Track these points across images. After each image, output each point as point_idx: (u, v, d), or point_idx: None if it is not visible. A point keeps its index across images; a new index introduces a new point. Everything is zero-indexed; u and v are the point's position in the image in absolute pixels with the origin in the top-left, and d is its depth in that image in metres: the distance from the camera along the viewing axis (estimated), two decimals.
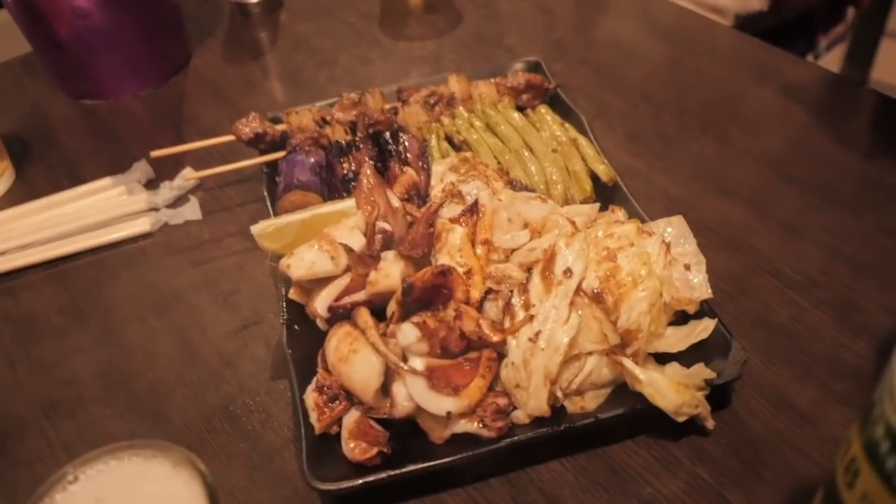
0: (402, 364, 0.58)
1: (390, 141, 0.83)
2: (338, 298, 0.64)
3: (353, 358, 0.60)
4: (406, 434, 0.61)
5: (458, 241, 0.65)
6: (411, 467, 0.58)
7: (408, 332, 0.59)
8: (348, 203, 0.73)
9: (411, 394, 0.58)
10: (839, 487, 0.40)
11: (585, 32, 1.16)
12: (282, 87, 1.13)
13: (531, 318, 0.60)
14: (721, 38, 1.14)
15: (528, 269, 0.64)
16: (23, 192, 0.97)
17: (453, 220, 0.67)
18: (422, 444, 0.61)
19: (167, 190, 0.92)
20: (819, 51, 1.69)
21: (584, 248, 0.63)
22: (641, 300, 0.61)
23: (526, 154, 0.81)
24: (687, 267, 0.67)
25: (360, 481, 0.57)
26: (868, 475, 0.36)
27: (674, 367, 0.62)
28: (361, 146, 0.82)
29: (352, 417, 0.61)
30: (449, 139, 0.86)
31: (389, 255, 0.66)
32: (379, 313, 0.64)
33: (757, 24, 1.51)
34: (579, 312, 0.61)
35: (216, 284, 0.82)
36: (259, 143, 0.87)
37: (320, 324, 0.66)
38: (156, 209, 0.91)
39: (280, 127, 0.89)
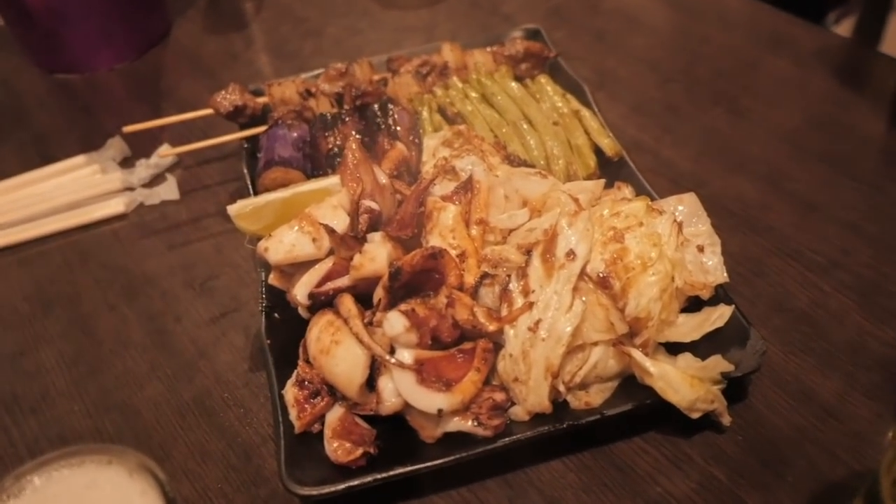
0: (388, 357, 0.53)
1: (379, 113, 0.77)
2: (319, 284, 0.58)
3: (336, 349, 0.55)
4: (394, 432, 0.56)
5: (450, 220, 0.59)
6: (399, 470, 0.53)
7: (395, 322, 0.54)
8: (332, 180, 0.68)
9: (399, 389, 0.53)
10: (884, 500, 0.35)
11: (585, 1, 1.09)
12: (265, 59, 1.07)
13: (531, 305, 0.55)
14: (731, 4, 1.07)
15: (528, 252, 0.58)
16: None
17: (446, 198, 0.62)
18: (411, 444, 0.56)
19: (143, 168, 0.86)
20: (828, 24, 1.62)
21: (589, 227, 0.57)
22: (651, 285, 0.56)
23: (525, 127, 0.75)
24: (700, 248, 0.62)
25: (344, 485, 0.52)
26: None
27: (687, 359, 0.57)
28: (348, 119, 0.77)
29: (335, 414, 0.56)
30: (442, 111, 0.80)
31: (376, 237, 0.60)
32: (364, 300, 0.59)
33: None
34: (583, 299, 0.55)
35: (193, 269, 0.77)
36: (239, 116, 0.82)
37: (302, 312, 0.61)
38: (131, 189, 0.86)
39: (261, 100, 0.83)
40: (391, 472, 0.53)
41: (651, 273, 0.56)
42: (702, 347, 0.58)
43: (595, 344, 0.56)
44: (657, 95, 0.91)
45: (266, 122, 0.81)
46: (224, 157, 0.87)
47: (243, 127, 0.83)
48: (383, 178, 0.65)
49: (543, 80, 0.82)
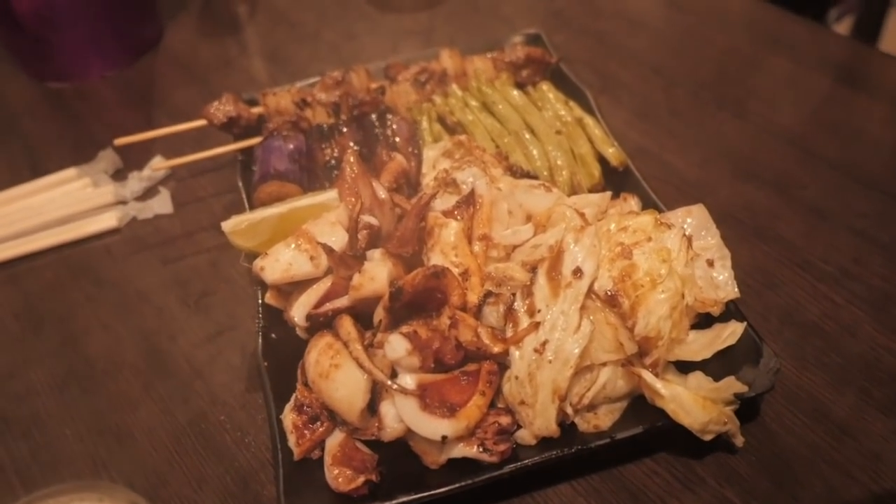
0: (390, 382, 0.51)
1: (377, 124, 0.75)
2: (318, 305, 0.56)
3: (336, 374, 0.53)
4: (397, 457, 0.55)
5: (452, 237, 0.58)
6: (402, 498, 0.51)
7: (397, 345, 0.52)
8: (330, 195, 0.66)
9: (401, 415, 0.51)
10: None
11: (588, 1, 1.07)
12: (260, 65, 1.04)
13: (536, 325, 0.53)
14: (733, 5, 1.05)
15: (533, 269, 0.56)
16: None
17: (447, 214, 0.60)
18: (415, 470, 0.54)
19: (136, 181, 0.84)
20: (829, 21, 1.61)
21: (596, 243, 0.55)
22: (661, 303, 0.54)
23: (527, 136, 0.74)
24: (710, 263, 0.60)
25: None
26: None
27: (698, 378, 0.55)
28: (345, 130, 0.75)
29: (335, 440, 0.54)
30: (442, 120, 0.78)
31: (376, 255, 0.58)
32: (365, 320, 0.57)
33: None
34: (591, 318, 0.53)
35: (187, 285, 0.75)
36: (233, 127, 0.80)
37: (300, 332, 0.59)
38: (123, 202, 0.84)
39: (256, 110, 0.81)
40: (394, 501, 0.51)
41: (661, 290, 0.54)
42: (713, 365, 0.56)
43: (603, 364, 0.54)
44: (661, 100, 0.89)
45: (261, 133, 0.79)
46: (218, 169, 0.85)
47: (238, 138, 0.81)
48: (382, 193, 0.63)
49: (545, 87, 0.80)
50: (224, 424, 0.63)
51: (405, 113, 0.79)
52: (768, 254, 0.71)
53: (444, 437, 0.50)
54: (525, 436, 0.54)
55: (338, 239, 0.60)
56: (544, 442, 0.54)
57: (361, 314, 0.57)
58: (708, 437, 0.54)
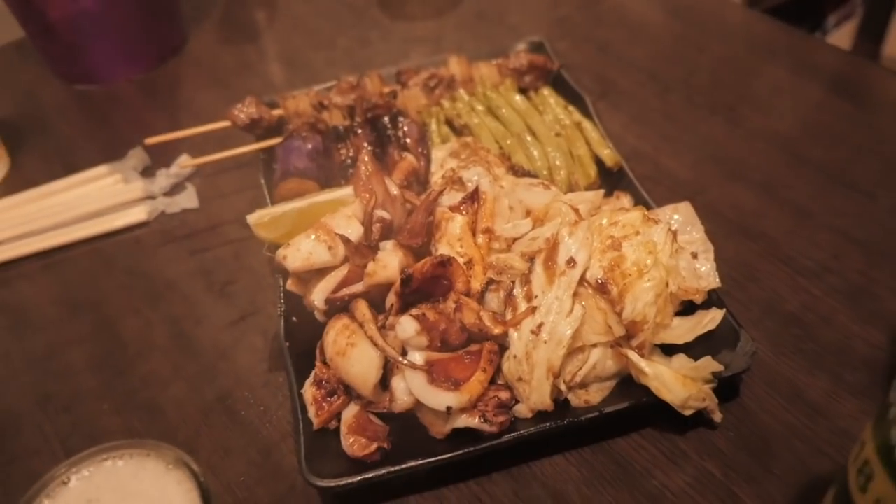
0: (401, 358, 0.57)
1: (389, 126, 0.80)
2: (335, 290, 0.62)
3: (352, 352, 0.58)
4: (406, 428, 0.60)
5: (458, 230, 0.63)
6: (411, 463, 0.57)
7: (407, 325, 0.57)
8: (346, 191, 0.71)
9: (411, 388, 0.57)
10: (851, 490, 0.38)
11: (591, 9, 1.13)
12: (279, 70, 1.10)
13: (533, 309, 0.59)
14: (729, 15, 1.10)
15: (531, 259, 0.62)
16: (18, 180, 0.96)
17: (453, 209, 0.65)
18: (422, 439, 0.59)
19: (163, 177, 0.90)
20: (827, 27, 1.65)
21: (588, 236, 0.61)
22: (647, 290, 0.59)
23: (528, 138, 0.79)
24: (694, 255, 0.65)
25: (359, 478, 0.56)
26: (882, 479, 0.34)
27: (680, 359, 0.61)
28: (360, 131, 0.80)
29: (351, 412, 0.60)
30: (449, 123, 0.84)
31: (388, 245, 0.64)
32: (378, 305, 0.62)
33: (766, 1, 1.47)
34: (583, 304, 0.59)
35: (212, 274, 0.81)
36: (255, 128, 0.85)
37: (318, 316, 0.65)
38: (152, 197, 0.89)
39: (276, 112, 0.87)
40: (403, 466, 0.57)
41: (647, 279, 0.60)
42: (695, 348, 0.61)
43: (594, 346, 0.59)
44: (657, 105, 0.95)
45: (281, 134, 0.85)
46: (240, 167, 0.91)
47: (259, 138, 0.86)
48: (394, 189, 0.68)
49: (546, 92, 0.86)
50: (248, 400, 0.69)
51: (415, 116, 0.84)
52: (753, 249, 0.76)
53: (450, 408, 0.56)
54: (522, 409, 0.59)
55: (353, 231, 0.65)
56: (540, 415, 0.59)
57: (375, 299, 0.62)
58: (688, 412, 0.59)
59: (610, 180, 0.78)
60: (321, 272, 0.66)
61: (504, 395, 0.58)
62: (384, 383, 0.60)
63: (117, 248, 0.85)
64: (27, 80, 1.13)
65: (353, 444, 0.58)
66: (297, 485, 0.62)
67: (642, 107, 0.94)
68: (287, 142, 0.81)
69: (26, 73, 1.14)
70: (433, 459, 0.57)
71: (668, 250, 0.62)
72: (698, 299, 0.63)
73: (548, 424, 0.58)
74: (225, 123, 0.86)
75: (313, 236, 0.65)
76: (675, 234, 0.63)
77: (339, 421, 0.60)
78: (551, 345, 0.58)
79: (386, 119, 0.81)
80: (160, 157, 0.93)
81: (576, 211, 0.64)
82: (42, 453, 0.67)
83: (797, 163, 0.85)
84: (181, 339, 0.75)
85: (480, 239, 0.64)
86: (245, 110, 0.85)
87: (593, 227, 0.62)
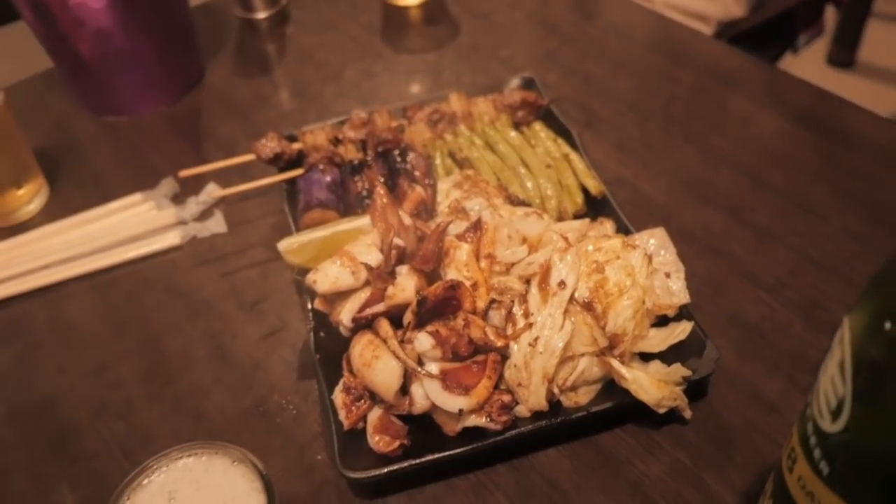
0: (419, 368, 0.67)
1: (399, 159, 0.90)
2: (360, 310, 0.72)
3: (376, 363, 0.69)
4: (423, 427, 0.70)
5: (464, 257, 0.73)
6: (429, 457, 0.67)
7: (423, 340, 0.68)
8: (364, 220, 0.81)
9: (428, 394, 0.67)
10: (783, 470, 0.48)
11: (575, 43, 1.23)
12: (291, 101, 1.20)
13: (530, 325, 0.69)
14: (702, 48, 1.21)
15: (527, 282, 0.72)
16: (57, 208, 1.05)
17: (460, 237, 0.75)
18: (437, 437, 0.69)
19: (193, 205, 0.99)
20: (798, 45, 1.76)
21: (576, 261, 0.71)
22: (627, 308, 0.70)
23: (522, 171, 0.89)
24: (667, 275, 0.76)
25: (386, 470, 0.66)
26: (802, 462, 0.45)
27: (656, 365, 0.71)
28: (373, 165, 0.90)
29: (375, 414, 0.70)
30: (452, 156, 0.94)
31: (403, 270, 0.74)
32: (396, 321, 0.72)
33: (740, 24, 1.58)
34: (572, 319, 0.69)
35: (243, 294, 0.90)
36: (278, 161, 0.95)
37: (343, 331, 0.75)
38: (184, 223, 0.99)
39: (296, 146, 0.96)
40: (422, 459, 0.67)
41: (626, 298, 0.70)
42: (668, 356, 0.72)
43: (582, 355, 0.70)
44: (636, 134, 1.05)
45: (301, 165, 0.95)
46: (262, 195, 1.00)
47: (281, 170, 0.96)
48: (407, 220, 0.79)
49: (538, 126, 0.96)
50: (282, 405, 0.78)
51: (421, 149, 0.94)
52: (720, 266, 0.87)
53: (461, 410, 0.66)
54: (522, 410, 0.69)
55: (373, 258, 0.75)
56: (537, 415, 0.69)
57: (394, 316, 0.72)
58: (662, 410, 0.69)
59: (595, 206, 0.89)
60: (344, 294, 0.76)
61: (506, 397, 0.69)
62: (404, 390, 0.70)
63: (155, 270, 0.95)
64: (57, 111, 1.22)
65: (378, 442, 0.68)
66: (328, 478, 0.72)
67: (623, 135, 1.05)
68: (308, 174, 0.91)
69: (55, 104, 1.23)
70: (447, 454, 0.67)
71: (645, 272, 0.72)
72: (671, 313, 0.74)
73: (543, 422, 0.69)
74: (250, 157, 0.96)
75: (338, 262, 0.75)
76: (650, 257, 0.74)
77: (365, 422, 0.70)
78: (546, 355, 0.68)
79: (396, 153, 0.91)
80: (189, 186, 1.02)
81: (565, 239, 0.74)
82: (102, 455, 0.77)
83: (760, 188, 0.95)
84: (219, 352, 0.85)
85: (483, 264, 0.74)
86: (268, 145, 0.95)
87: (580, 252, 0.73)
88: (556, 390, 0.69)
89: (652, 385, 0.68)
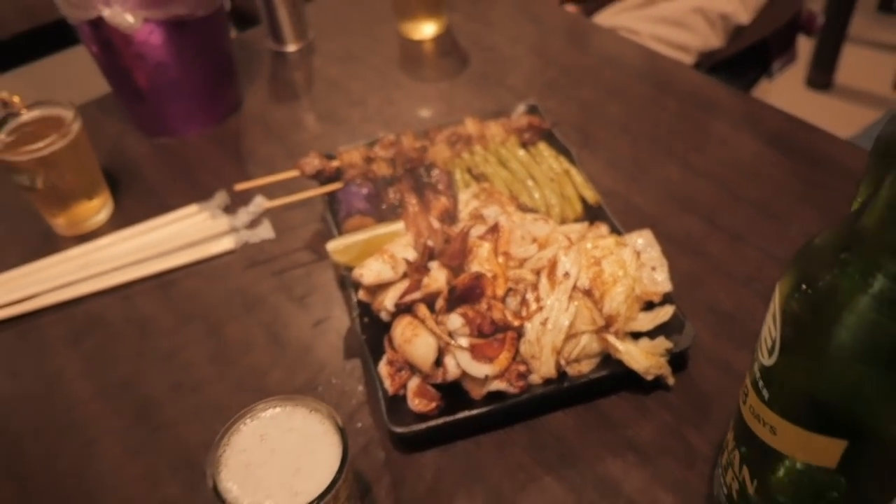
0: (452, 341, 0.82)
1: (424, 175, 1.06)
2: (401, 297, 0.87)
3: (416, 340, 0.83)
4: (453, 393, 0.85)
5: (485, 253, 0.88)
6: (460, 415, 0.82)
7: (454, 320, 0.83)
8: (398, 225, 0.97)
9: (459, 363, 0.82)
10: (740, 406, 0.63)
11: (572, 74, 1.39)
12: (322, 124, 1.35)
13: (541, 308, 0.84)
14: (683, 77, 1.38)
15: (538, 273, 0.87)
16: (121, 218, 1.19)
17: (481, 238, 0.90)
18: (466, 401, 0.84)
19: (244, 214, 1.14)
20: (773, 72, 1.94)
21: (578, 257, 0.87)
22: (619, 294, 0.85)
23: (530, 183, 1.05)
24: (653, 268, 0.91)
25: (425, 426, 0.81)
26: (751, 394, 0.60)
27: (644, 341, 0.86)
28: (402, 179, 1.06)
29: (414, 383, 0.85)
30: (470, 172, 1.09)
31: (435, 265, 0.89)
32: (430, 306, 0.87)
33: (718, 54, 1.76)
34: (575, 303, 0.84)
35: (292, 289, 1.05)
36: (319, 177, 1.10)
37: (385, 316, 0.90)
38: (236, 230, 1.14)
39: (334, 163, 1.12)
40: (455, 417, 0.81)
41: (619, 286, 0.85)
42: (654, 334, 0.86)
43: (584, 333, 0.84)
44: (627, 153, 1.21)
45: (339, 180, 1.10)
46: (304, 206, 1.15)
47: (322, 184, 1.12)
48: (436, 224, 0.94)
49: (542, 146, 1.12)
50: (331, 382, 0.93)
51: (443, 166, 1.10)
52: (699, 264, 1.02)
53: (486, 376, 0.81)
54: (535, 378, 0.84)
55: (409, 255, 0.90)
56: (547, 382, 0.84)
57: (428, 303, 0.87)
58: (649, 378, 0.84)
59: (591, 213, 1.04)
60: (384, 286, 0.91)
61: (522, 367, 0.83)
62: (438, 362, 0.85)
63: (213, 270, 1.10)
64: (112, 134, 1.37)
65: (417, 404, 0.83)
66: (374, 438, 0.86)
67: (616, 154, 1.21)
68: (346, 187, 1.07)
69: (110, 127, 1.39)
70: (475, 412, 0.82)
71: (634, 265, 0.88)
72: (656, 300, 0.89)
73: (552, 387, 0.83)
74: (295, 173, 1.11)
75: (381, 259, 0.90)
76: (638, 254, 0.89)
77: (405, 390, 0.85)
78: (554, 332, 0.83)
79: (421, 169, 1.07)
80: (238, 198, 1.17)
81: (568, 239, 0.90)
82: (180, 423, 0.91)
83: (733, 199, 1.11)
84: (274, 339, 0.99)
85: (501, 259, 0.89)
86: (311, 162, 1.10)
87: (581, 249, 0.88)
88: (562, 362, 0.84)
89: (641, 356, 0.83)
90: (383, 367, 0.86)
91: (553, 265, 0.86)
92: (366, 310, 0.93)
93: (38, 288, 1.08)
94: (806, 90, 3.13)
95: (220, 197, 1.18)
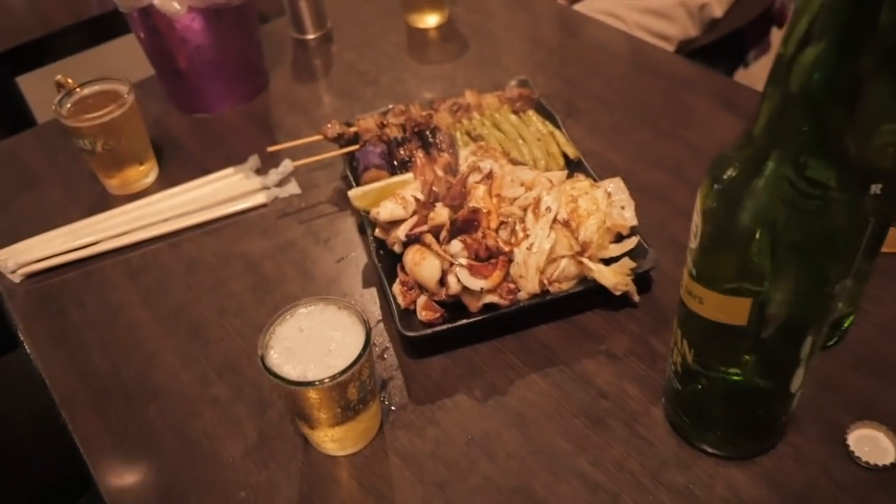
0: (454, 261, 1.00)
1: (430, 136, 1.24)
2: (411, 229, 1.05)
3: (423, 262, 1.01)
4: (455, 310, 1.02)
5: (481, 194, 1.06)
6: (460, 322, 0.99)
7: (455, 245, 1.00)
8: (408, 176, 1.14)
9: (459, 279, 0.99)
10: (680, 293, 0.81)
11: (559, 54, 1.57)
12: (340, 101, 1.53)
13: (527, 236, 1.01)
14: (660, 59, 1.55)
15: (525, 209, 1.05)
16: (166, 182, 1.36)
17: (478, 183, 1.08)
18: (465, 313, 1.02)
19: (274, 174, 1.32)
20: (748, 60, 2.11)
21: (558, 195, 1.04)
22: (592, 224, 1.02)
23: (520, 142, 1.23)
24: (622, 207, 1.08)
25: (431, 331, 0.98)
26: (685, 276, 0.77)
27: (614, 265, 1.04)
28: (411, 140, 1.24)
29: (422, 299, 1.02)
30: (468, 134, 1.27)
31: (439, 205, 1.07)
32: (434, 237, 1.05)
33: (695, 42, 1.93)
34: (555, 233, 1.02)
35: (317, 234, 1.23)
36: (340, 140, 1.28)
37: (397, 248, 1.07)
38: (267, 188, 1.32)
39: (352, 129, 1.29)
40: (456, 323, 0.99)
41: (592, 219, 1.03)
42: (622, 260, 1.05)
43: (563, 257, 1.02)
44: (606, 121, 1.39)
45: (357, 143, 1.28)
46: (325, 167, 1.32)
47: (342, 147, 1.29)
48: (440, 173, 1.12)
49: (531, 113, 1.30)
50: (352, 303, 1.11)
51: (446, 129, 1.27)
52: (664, 209, 1.19)
53: (482, 289, 0.98)
54: (522, 295, 1.01)
55: (419, 196, 1.08)
56: (533, 297, 1.02)
57: (434, 234, 1.05)
58: (618, 293, 1.01)
59: (572, 167, 1.22)
60: (395, 223, 1.09)
61: (512, 285, 1.01)
62: (442, 282, 1.02)
63: (249, 221, 1.27)
64: (154, 111, 1.55)
65: (425, 315, 1.00)
66: (389, 348, 1.03)
67: (596, 122, 1.38)
68: (363, 148, 1.24)
69: (152, 107, 1.56)
70: (472, 320, 0.99)
71: (605, 203, 1.05)
72: (625, 232, 1.06)
73: (537, 300, 1.01)
74: (318, 137, 1.29)
75: (394, 201, 1.08)
76: (609, 194, 1.07)
77: (415, 305, 1.03)
78: (538, 255, 1.00)
79: (427, 132, 1.25)
80: (268, 161, 1.35)
81: (550, 181, 1.07)
82: (226, 340, 1.08)
83: (696, 156, 1.28)
84: (304, 273, 1.17)
85: (494, 200, 1.07)
86: (333, 128, 1.28)
87: (561, 190, 1.05)
88: (545, 282, 1.02)
89: (610, 274, 1.00)
90: (396, 287, 1.04)
91: (537, 202, 1.04)
92: (381, 245, 1.11)
93: (98, 237, 1.26)
94: None
95: (253, 160, 1.36)
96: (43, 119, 1.78)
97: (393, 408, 0.97)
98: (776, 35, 2.18)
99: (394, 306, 1.02)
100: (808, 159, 0.64)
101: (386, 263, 1.08)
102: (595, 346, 1.01)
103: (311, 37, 1.69)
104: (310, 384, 0.82)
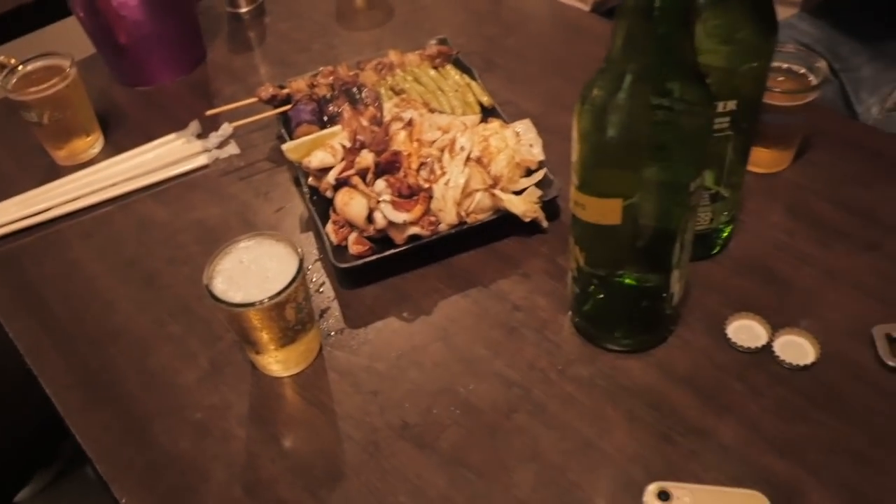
0: (379, 198, 1.11)
1: (356, 92, 1.34)
2: (339, 173, 1.16)
3: (352, 202, 1.12)
4: (383, 242, 1.14)
5: (402, 138, 1.17)
6: (387, 252, 1.11)
7: (380, 184, 1.12)
8: (337, 128, 1.25)
9: (385, 214, 1.11)
10: (571, 206, 0.93)
11: (480, 17, 1.69)
12: (275, 68, 1.62)
13: (444, 173, 1.13)
14: (575, 17, 1.68)
15: (442, 150, 1.16)
16: (111, 151, 1.45)
17: (400, 129, 1.19)
18: (392, 244, 1.13)
19: (214, 137, 1.41)
20: None
21: (471, 136, 1.16)
22: (503, 160, 1.14)
23: (439, 93, 1.34)
24: (531, 145, 1.21)
25: (361, 261, 1.10)
26: (573, 189, 0.90)
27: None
28: (339, 97, 1.34)
29: (353, 235, 1.13)
30: (392, 89, 1.38)
31: (364, 150, 1.18)
32: (361, 179, 1.16)
33: (609, 3, 2.06)
34: (469, 169, 1.14)
35: (257, 189, 1.33)
36: (273, 101, 1.38)
37: (328, 193, 1.18)
38: (208, 150, 1.41)
39: (285, 91, 1.39)
40: (384, 253, 1.10)
41: (502, 155, 1.15)
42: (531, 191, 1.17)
43: (477, 191, 1.14)
44: (521, 74, 1.50)
45: (290, 103, 1.38)
46: (261, 128, 1.42)
47: (275, 107, 1.39)
48: (365, 124, 1.23)
49: (449, 67, 1.41)
50: (286, 237, 1.21)
51: (371, 86, 1.38)
52: (564, 145, 1.32)
53: (405, 221, 1.10)
54: (443, 226, 1.13)
55: (347, 143, 1.19)
56: (452, 227, 1.14)
57: (360, 176, 1.16)
58: (527, 219, 1.13)
59: (487, 114, 1.34)
60: (326, 171, 1.19)
61: (433, 217, 1.13)
62: (370, 219, 1.13)
63: (193, 181, 1.37)
64: (98, 86, 1.62)
65: (356, 249, 1.11)
66: (326, 282, 1.15)
67: (512, 75, 1.50)
68: (295, 107, 1.35)
69: (95, 83, 1.63)
70: (399, 249, 1.11)
71: (514, 141, 1.17)
72: (533, 166, 1.19)
73: (454, 230, 1.13)
74: (253, 99, 1.38)
75: (324, 150, 1.18)
76: (518, 134, 1.19)
77: (346, 240, 1.14)
78: (455, 190, 1.12)
79: (354, 89, 1.35)
80: (208, 126, 1.44)
81: (465, 125, 1.19)
82: (177, 286, 1.18)
83: None
84: (246, 223, 1.26)
85: (415, 144, 1.19)
86: (266, 90, 1.37)
87: (474, 131, 1.17)
88: (463, 213, 1.14)
89: (519, 202, 1.13)
90: (329, 226, 1.15)
91: (453, 143, 1.16)
92: (314, 192, 1.21)
93: (51, 203, 1.34)
94: None
95: (194, 125, 1.45)
96: None
97: (332, 333, 1.09)
98: None
99: (328, 244, 1.13)
100: (656, 75, 0.77)
101: (319, 208, 1.19)
102: (511, 269, 1.14)
103: (244, 10, 1.78)
104: (251, 305, 0.92)
